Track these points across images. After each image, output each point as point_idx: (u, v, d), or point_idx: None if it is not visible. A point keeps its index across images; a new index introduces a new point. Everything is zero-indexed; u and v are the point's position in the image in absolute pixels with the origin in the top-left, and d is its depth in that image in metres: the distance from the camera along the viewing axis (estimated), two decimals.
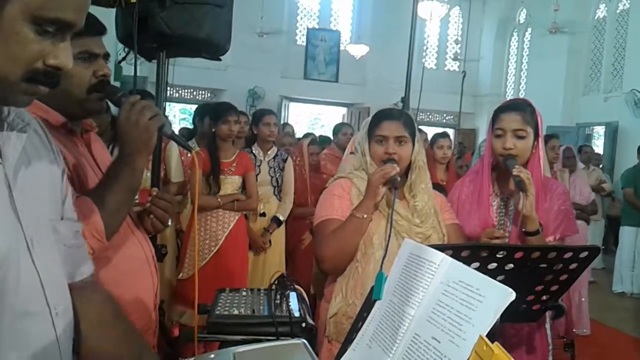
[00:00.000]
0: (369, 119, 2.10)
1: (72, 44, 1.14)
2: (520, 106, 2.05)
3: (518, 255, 1.34)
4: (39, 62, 0.80)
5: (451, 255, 0.95)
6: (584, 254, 1.37)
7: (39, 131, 1.00)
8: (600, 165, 8.32)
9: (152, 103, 3.40)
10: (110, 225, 1.31)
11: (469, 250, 1.31)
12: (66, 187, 1.05)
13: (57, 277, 0.95)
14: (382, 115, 2.00)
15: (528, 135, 1.98)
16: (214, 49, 2.25)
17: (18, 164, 0.88)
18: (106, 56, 1.46)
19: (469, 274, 0.89)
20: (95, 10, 2.27)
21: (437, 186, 2.23)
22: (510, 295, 0.80)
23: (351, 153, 3.48)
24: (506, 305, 0.80)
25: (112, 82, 1.51)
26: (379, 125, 1.96)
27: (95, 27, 1.45)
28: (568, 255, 1.37)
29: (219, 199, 3.52)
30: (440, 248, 1.00)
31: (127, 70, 7.32)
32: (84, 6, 0.83)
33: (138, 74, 2.27)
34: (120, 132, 1.37)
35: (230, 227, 3.56)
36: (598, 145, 10.75)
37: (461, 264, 0.93)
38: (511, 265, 1.35)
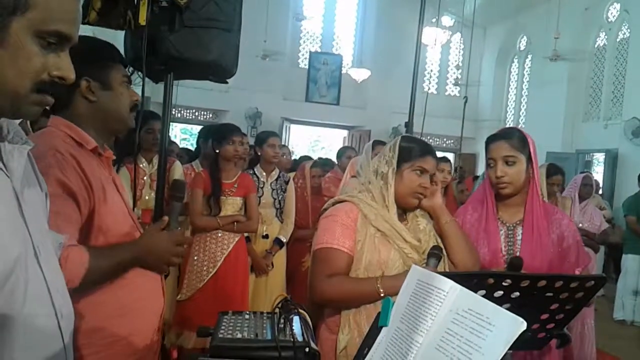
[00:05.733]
0: (370, 144, 2.08)
1: (119, 69, 1.54)
2: (508, 134, 2.08)
3: (524, 283, 1.34)
4: (44, 74, 0.88)
5: (458, 283, 0.95)
6: (590, 283, 1.37)
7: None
8: (600, 192, 8.31)
9: (159, 124, 3.42)
10: (90, 283, 1.38)
11: (476, 278, 1.31)
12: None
13: (60, 282, 1.02)
14: (428, 149, 1.95)
15: (518, 161, 2.00)
16: (221, 72, 2.26)
17: (22, 178, 0.95)
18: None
19: (479, 303, 0.88)
20: (103, 31, 2.29)
21: None
22: (522, 325, 0.80)
23: (352, 176, 3.49)
24: (517, 335, 0.79)
25: None
26: (424, 158, 1.90)
27: (124, 58, 1.65)
28: (574, 284, 1.37)
29: (218, 220, 3.51)
30: (448, 275, 0.99)
31: None
32: (77, 21, 0.93)
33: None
34: (155, 242, 1.55)
35: (229, 249, 3.53)
36: (598, 172, 10.78)
37: (470, 292, 0.92)
38: (517, 294, 1.34)
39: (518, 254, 1.99)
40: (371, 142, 3.42)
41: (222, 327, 1.52)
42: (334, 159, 5.98)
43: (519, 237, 2.03)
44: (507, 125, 13.51)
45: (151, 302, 1.60)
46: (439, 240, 1.92)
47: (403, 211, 1.97)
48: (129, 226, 1.57)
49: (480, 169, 13.27)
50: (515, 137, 2.04)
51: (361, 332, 1.78)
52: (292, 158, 6.53)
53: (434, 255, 1.78)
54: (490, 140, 2.09)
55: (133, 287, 1.52)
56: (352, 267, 1.85)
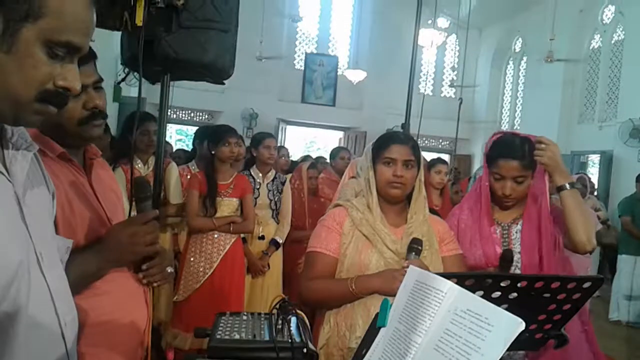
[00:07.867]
0: (370, 146, 2.09)
1: None
2: (518, 153, 2.02)
3: (522, 284, 1.34)
4: (49, 84, 0.85)
5: (456, 284, 0.95)
6: (588, 284, 1.37)
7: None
8: (595, 193, 8.34)
9: (154, 125, 3.36)
10: None
11: (473, 279, 1.31)
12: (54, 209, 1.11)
13: (64, 289, 1.00)
14: (391, 139, 1.99)
15: (527, 178, 2.02)
16: (218, 73, 2.26)
17: (25, 182, 0.93)
18: (97, 82, 1.42)
19: (478, 303, 0.89)
20: (100, 32, 2.29)
21: (431, 210, 2.20)
22: (520, 325, 0.80)
23: (351, 177, 3.48)
24: (515, 336, 0.80)
25: (111, 103, 1.48)
26: (387, 148, 1.95)
27: (86, 54, 1.44)
28: (572, 285, 1.37)
29: (214, 221, 3.51)
30: (446, 276, 0.99)
31: (126, 91, 7.39)
32: (90, 31, 0.90)
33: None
34: (113, 241, 1.35)
35: (225, 250, 3.53)
36: (593, 174, 10.80)
37: (469, 292, 0.92)
38: (515, 295, 1.34)
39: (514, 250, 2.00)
40: (371, 144, 3.41)
41: (220, 328, 1.52)
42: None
43: (514, 236, 2.04)
44: (503, 127, 13.55)
45: (132, 313, 1.49)
46: (435, 253, 1.92)
47: (406, 204, 1.99)
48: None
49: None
50: (526, 157, 2.01)
51: (339, 332, 1.83)
52: (290, 159, 6.50)
53: (412, 249, 1.81)
54: (500, 155, 2.03)
55: (111, 296, 1.41)
56: (337, 269, 1.90)
